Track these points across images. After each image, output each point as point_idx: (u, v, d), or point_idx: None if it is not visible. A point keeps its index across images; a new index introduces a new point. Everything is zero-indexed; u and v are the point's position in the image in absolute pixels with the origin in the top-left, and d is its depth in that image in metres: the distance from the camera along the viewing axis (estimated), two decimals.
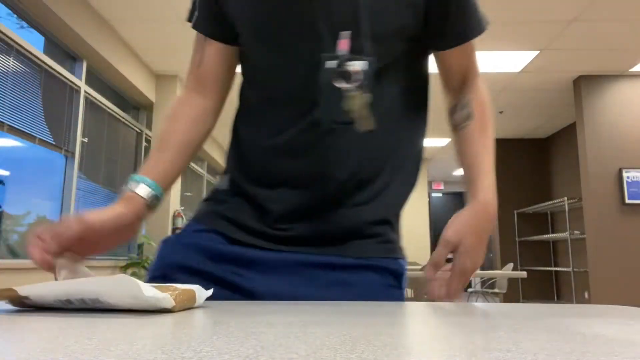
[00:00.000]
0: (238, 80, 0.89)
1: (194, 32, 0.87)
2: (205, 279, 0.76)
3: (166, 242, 0.85)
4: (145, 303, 0.54)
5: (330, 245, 0.79)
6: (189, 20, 0.87)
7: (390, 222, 0.83)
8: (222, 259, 0.79)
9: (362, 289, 0.77)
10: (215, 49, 0.85)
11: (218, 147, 7.98)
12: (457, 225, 0.75)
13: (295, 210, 0.79)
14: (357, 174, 0.79)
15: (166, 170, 0.81)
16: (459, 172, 10.98)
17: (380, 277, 0.80)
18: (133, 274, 4.35)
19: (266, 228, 0.80)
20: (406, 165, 0.85)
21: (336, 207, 0.80)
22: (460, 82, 0.88)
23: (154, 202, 0.77)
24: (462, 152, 0.85)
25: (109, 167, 4.87)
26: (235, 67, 0.89)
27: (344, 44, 0.72)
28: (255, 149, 0.83)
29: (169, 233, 5.12)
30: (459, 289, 0.75)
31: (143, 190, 0.76)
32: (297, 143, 0.79)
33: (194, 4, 0.86)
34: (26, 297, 0.56)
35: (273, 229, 0.80)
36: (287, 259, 0.78)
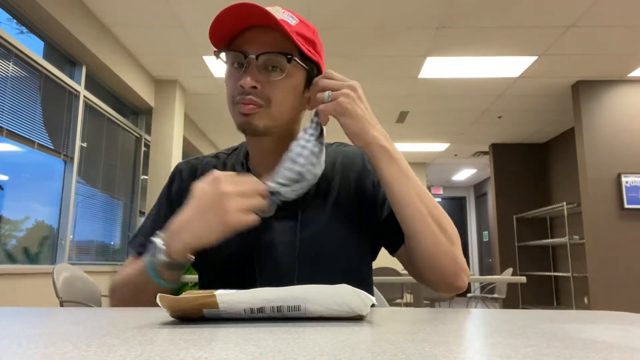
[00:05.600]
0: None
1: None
2: None
3: None
4: (348, 310, 0.55)
5: None
6: (130, 243, 0.95)
7: None
8: None
9: None
10: None
11: (211, 145, 7.99)
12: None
13: None
14: None
15: None
16: (458, 176, 10.98)
17: None
18: None
19: None
20: None
21: None
22: None
23: None
24: None
25: (108, 172, 4.86)
26: None
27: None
28: None
29: None
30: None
31: None
32: None
33: (139, 230, 0.96)
34: (216, 306, 0.53)
35: None
36: None
